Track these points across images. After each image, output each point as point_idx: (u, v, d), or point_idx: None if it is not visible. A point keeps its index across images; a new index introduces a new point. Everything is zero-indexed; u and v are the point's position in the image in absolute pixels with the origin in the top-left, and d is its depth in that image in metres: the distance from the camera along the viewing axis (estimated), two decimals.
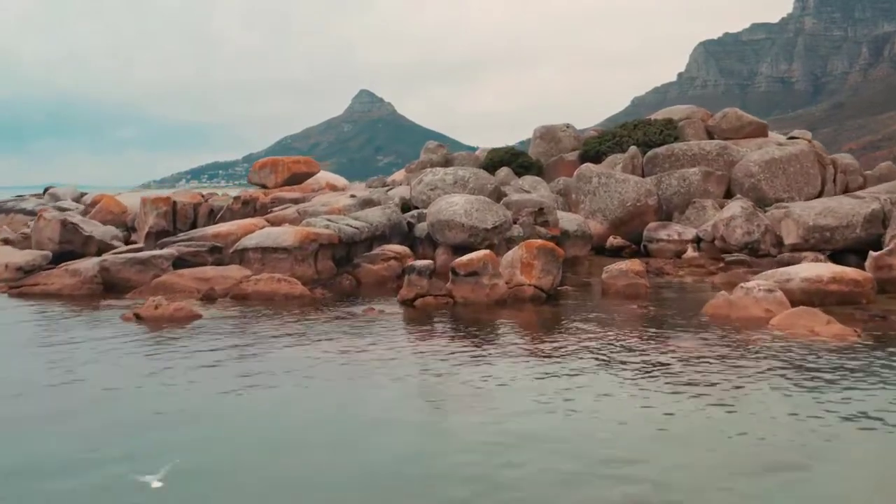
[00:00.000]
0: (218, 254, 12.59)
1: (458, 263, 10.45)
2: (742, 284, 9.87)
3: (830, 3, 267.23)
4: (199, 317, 9.54)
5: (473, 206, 13.32)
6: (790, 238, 14.58)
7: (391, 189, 18.54)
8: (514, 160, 19.86)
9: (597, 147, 20.19)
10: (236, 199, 14.80)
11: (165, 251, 12.21)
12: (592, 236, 15.56)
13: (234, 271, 11.65)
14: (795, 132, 21.94)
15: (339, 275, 12.71)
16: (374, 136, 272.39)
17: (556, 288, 11.03)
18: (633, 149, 18.88)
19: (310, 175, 24.29)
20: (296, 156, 23.82)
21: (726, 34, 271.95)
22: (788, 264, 12.51)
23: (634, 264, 11.60)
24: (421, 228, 14.32)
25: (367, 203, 15.28)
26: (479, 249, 13.34)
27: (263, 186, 24.21)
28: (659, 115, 22.70)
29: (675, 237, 16.26)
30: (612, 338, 8.38)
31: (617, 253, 16.48)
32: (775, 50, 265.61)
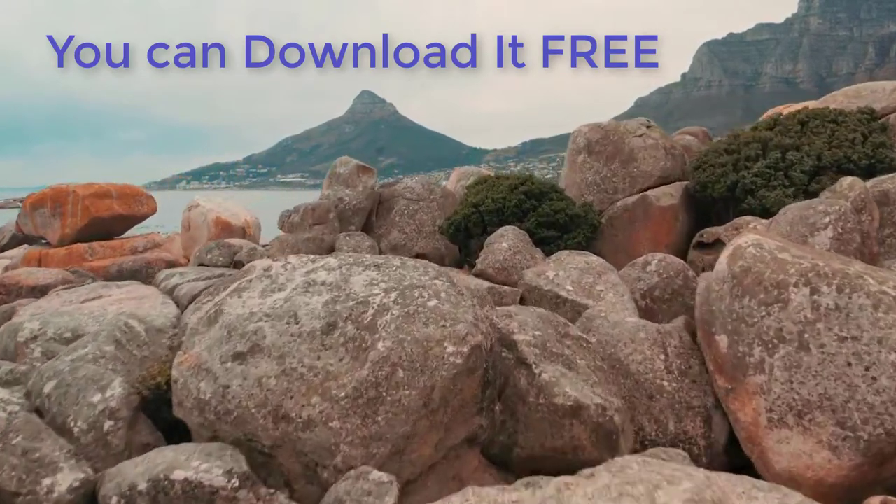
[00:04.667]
0: None
1: None
2: None
3: (836, 3, 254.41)
4: None
5: None
6: None
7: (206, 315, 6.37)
8: (531, 207, 7.75)
9: (731, 174, 8.07)
10: None
11: None
12: None
13: None
14: None
15: None
16: (375, 138, 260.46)
17: None
18: (857, 185, 6.74)
19: (133, 220, 12.15)
20: (106, 184, 11.70)
21: (731, 34, 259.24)
22: None
23: None
24: None
25: None
26: None
27: (46, 243, 12.08)
28: (832, 99, 10.47)
29: None
30: None
31: None
32: (780, 50, 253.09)
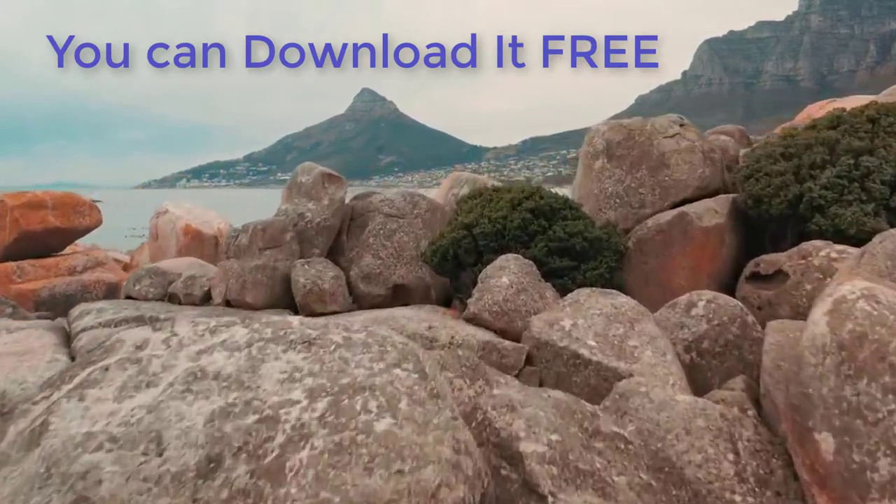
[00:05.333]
0: None
1: None
2: None
3: (837, 0, 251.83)
4: None
5: None
6: None
7: None
8: (539, 229, 6.05)
9: (792, 185, 6.33)
10: None
11: None
12: None
13: None
14: None
15: None
16: (376, 136, 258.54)
17: None
18: None
19: (73, 234, 10.41)
20: (41, 192, 9.94)
21: (731, 32, 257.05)
22: None
23: None
24: None
25: None
26: None
27: None
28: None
29: None
30: None
31: None
32: (781, 48, 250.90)
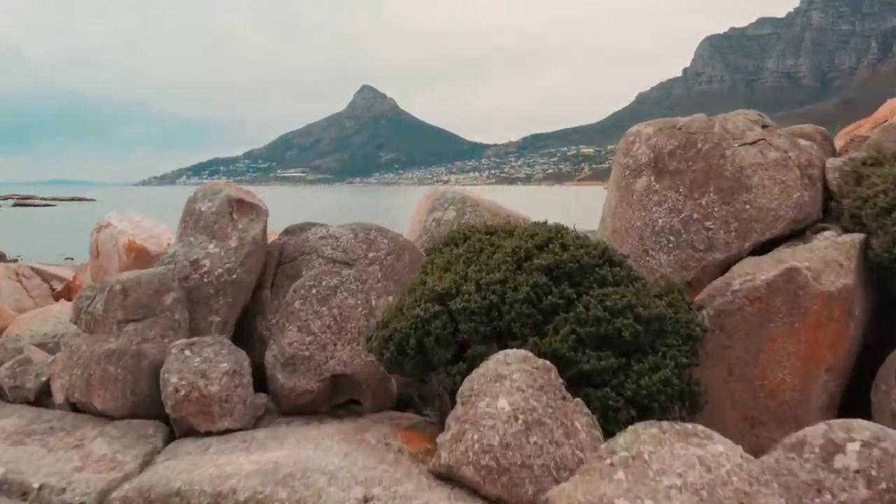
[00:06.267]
0: None
1: None
2: None
3: None
4: None
5: None
6: None
7: None
8: (561, 302, 3.65)
9: None
10: None
11: None
12: None
13: None
14: None
15: None
16: (376, 133, 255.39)
17: None
18: None
19: None
20: None
21: (732, 29, 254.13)
22: None
23: None
24: None
25: None
26: None
27: None
28: None
29: None
30: None
31: None
32: (782, 45, 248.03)
